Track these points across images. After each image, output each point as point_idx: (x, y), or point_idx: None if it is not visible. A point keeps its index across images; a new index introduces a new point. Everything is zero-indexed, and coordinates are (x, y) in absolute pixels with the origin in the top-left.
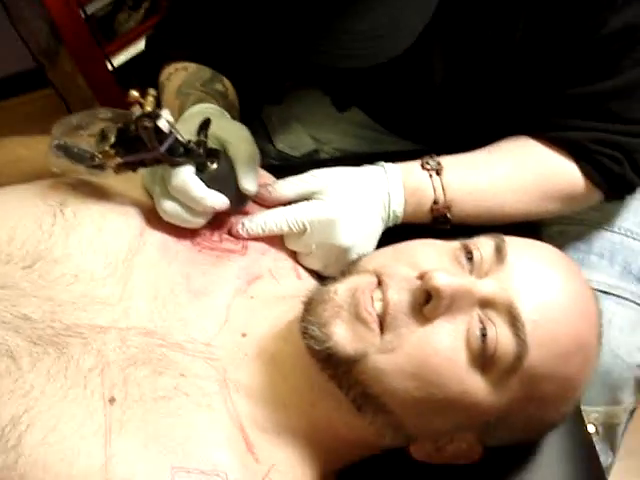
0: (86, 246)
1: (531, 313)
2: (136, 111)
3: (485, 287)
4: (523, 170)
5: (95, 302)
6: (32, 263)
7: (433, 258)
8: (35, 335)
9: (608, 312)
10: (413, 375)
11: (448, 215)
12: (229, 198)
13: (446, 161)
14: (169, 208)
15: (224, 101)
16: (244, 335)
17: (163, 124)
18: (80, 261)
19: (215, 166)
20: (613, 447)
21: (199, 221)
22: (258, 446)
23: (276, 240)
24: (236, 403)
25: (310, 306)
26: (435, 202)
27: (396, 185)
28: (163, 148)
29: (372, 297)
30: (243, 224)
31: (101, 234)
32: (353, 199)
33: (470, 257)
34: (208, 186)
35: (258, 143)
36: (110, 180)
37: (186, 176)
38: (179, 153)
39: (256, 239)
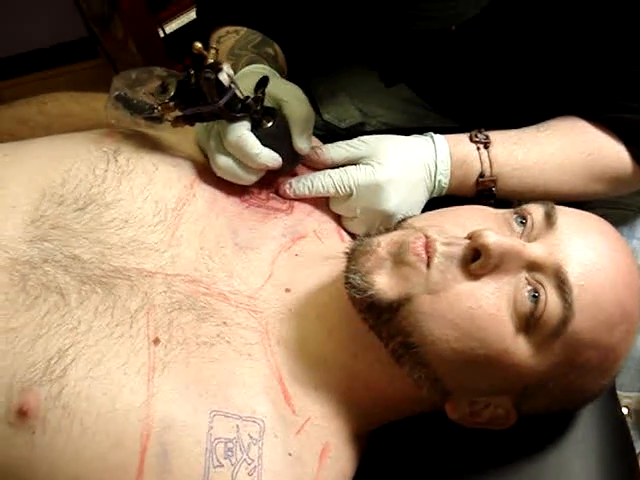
0: (137, 193)
1: (578, 278)
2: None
3: (534, 250)
4: (571, 150)
5: (143, 247)
6: (84, 206)
7: (480, 221)
8: (84, 275)
9: None
10: (454, 324)
11: (493, 189)
12: (282, 157)
13: (494, 136)
14: (223, 163)
15: (274, 65)
16: (288, 290)
17: (224, 77)
18: (131, 207)
19: (270, 124)
20: None
21: (251, 178)
22: (296, 398)
23: (321, 202)
24: (276, 355)
25: (352, 256)
26: (481, 175)
27: (443, 156)
28: (222, 102)
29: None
30: (290, 184)
31: (152, 183)
32: (400, 166)
33: (523, 221)
34: (263, 144)
35: None
36: (165, 134)
37: (242, 132)
38: (237, 108)
39: (302, 200)
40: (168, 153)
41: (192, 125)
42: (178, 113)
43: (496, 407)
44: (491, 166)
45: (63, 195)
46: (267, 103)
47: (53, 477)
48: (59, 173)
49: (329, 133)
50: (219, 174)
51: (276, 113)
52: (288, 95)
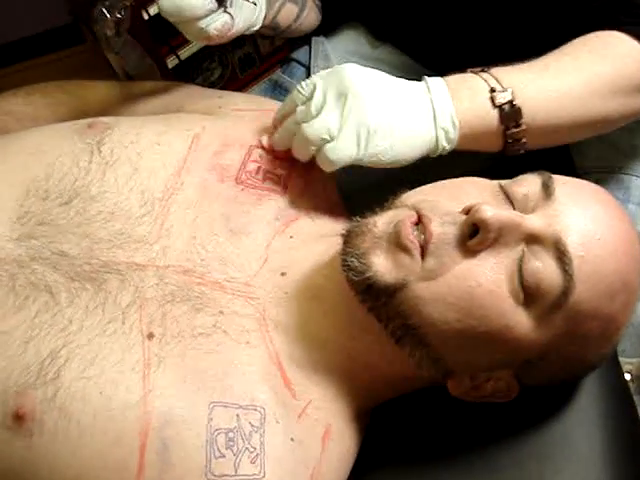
0: (122, 184)
1: (578, 249)
2: None
3: (532, 222)
4: (586, 61)
5: (132, 240)
6: (69, 200)
7: (475, 194)
8: (73, 271)
9: None
10: (454, 306)
11: (515, 103)
12: None
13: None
14: (168, 3)
15: None
16: (284, 274)
17: None
18: (116, 199)
19: None
20: None
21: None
22: (295, 382)
23: (313, 181)
24: (274, 340)
25: (348, 238)
26: (492, 90)
27: (439, 87)
28: None
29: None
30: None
31: (137, 172)
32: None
33: (516, 193)
34: None
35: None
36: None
37: None
38: None
39: (294, 181)
40: (153, 140)
41: None
42: None
43: (497, 380)
44: (498, 80)
45: (48, 190)
46: None
47: (54, 477)
48: (42, 167)
49: None
50: (174, 19)
51: None
52: None
